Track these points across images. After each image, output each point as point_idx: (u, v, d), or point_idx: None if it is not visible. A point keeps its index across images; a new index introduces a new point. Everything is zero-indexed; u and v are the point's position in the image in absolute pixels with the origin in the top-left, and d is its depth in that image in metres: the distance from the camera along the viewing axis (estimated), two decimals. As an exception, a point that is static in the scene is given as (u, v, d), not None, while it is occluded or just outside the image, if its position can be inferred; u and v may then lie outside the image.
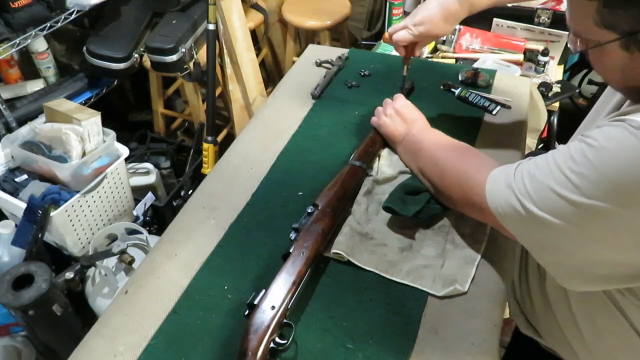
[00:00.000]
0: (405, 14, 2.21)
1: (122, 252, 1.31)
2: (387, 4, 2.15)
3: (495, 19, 1.97)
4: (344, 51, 1.36)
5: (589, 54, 0.66)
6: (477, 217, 0.81)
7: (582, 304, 0.82)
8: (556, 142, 1.98)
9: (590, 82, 2.38)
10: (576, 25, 0.65)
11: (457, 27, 1.92)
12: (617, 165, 0.57)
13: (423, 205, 0.86)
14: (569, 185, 0.61)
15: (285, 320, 0.71)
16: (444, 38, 1.96)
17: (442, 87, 1.21)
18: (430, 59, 1.89)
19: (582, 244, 0.64)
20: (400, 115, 0.98)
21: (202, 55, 1.91)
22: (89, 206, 1.42)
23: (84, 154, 1.39)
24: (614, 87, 0.74)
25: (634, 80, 0.65)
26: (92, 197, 1.42)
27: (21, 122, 1.58)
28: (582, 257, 0.66)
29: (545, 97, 1.78)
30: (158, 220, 1.72)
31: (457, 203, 0.83)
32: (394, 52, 2.02)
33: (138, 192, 1.70)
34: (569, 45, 0.69)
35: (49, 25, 1.59)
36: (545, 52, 1.87)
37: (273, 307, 0.71)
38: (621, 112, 0.62)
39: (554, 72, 1.94)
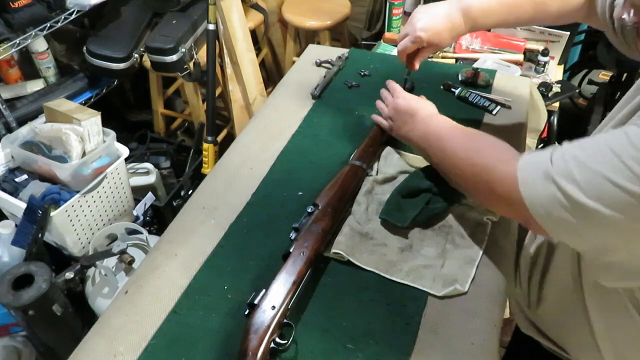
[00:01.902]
0: (406, 14, 2.21)
1: (122, 252, 1.31)
2: (387, 4, 2.15)
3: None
4: (344, 51, 1.36)
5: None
6: (504, 212, 0.77)
7: (597, 300, 0.80)
8: (556, 142, 1.98)
9: (590, 82, 2.38)
10: None
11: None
12: None
13: (422, 208, 0.86)
14: (630, 175, 0.55)
15: (285, 320, 0.71)
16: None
17: (442, 87, 1.21)
18: (430, 59, 1.89)
19: (636, 239, 0.60)
20: (398, 113, 0.96)
21: (202, 55, 1.92)
22: (89, 206, 1.42)
23: (84, 154, 1.39)
24: None
25: None
26: (92, 197, 1.42)
27: (21, 122, 1.58)
28: (632, 252, 0.62)
29: (545, 97, 1.78)
30: (158, 220, 1.72)
31: (482, 198, 0.80)
32: (394, 52, 2.02)
33: (138, 192, 1.70)
34: (615, 16, 0.64)
35: (49, 25, 1.59)
36: (545, 52, 1.87)
37: (273, 307, 0.71)
38: None
39: (554, 72, 1.94)
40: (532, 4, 0.92)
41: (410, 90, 1.17)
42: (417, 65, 1.02)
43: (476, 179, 0.77)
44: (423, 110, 0.92)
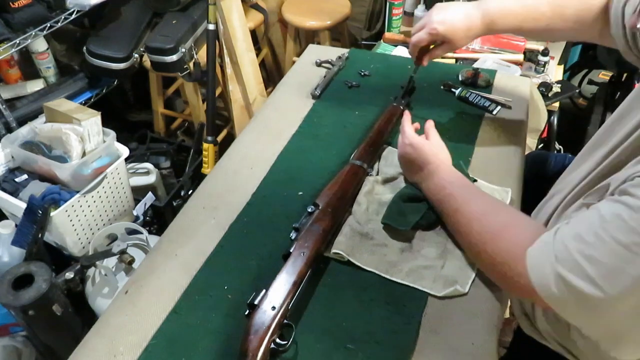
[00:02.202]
0: (406, 14, 2.21)
1: (122, 252, 1.31)
2: (387, 4, 2.14)
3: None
4: (344, 51, 1.36)
5: None
6: (520, 296, 0.76)
7: None
8: (556, 142, 1.98)
9: (590, 82, 2.38)
10: None
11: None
12: None
13: (423, 213, 0.86)
14: None
15: (285, 321, 0.71)
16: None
17: (442, 87, 1.21)
18: (430, 59, 1.89)
19: None
20: (407, 161, 0.92)
21: (202, 55, 1.91)
22: (89, 206, 1.41)
23: (84, 154, 1.39)
24: None
25: None
26: (92, 197, 1.42)
27: (21, 122, 1.58)
28: None
29: (545, 97, 1.78)
30: (158, 220, 1.72)
31: (497, 282, 0.78)
32: (394, 52, 2.02)
33: (138, 192, 1.70)
34: (626, 23, 0.63)
35: (49, 25, 1.59)
36: (545, 52, 1.87)
37: (273, 308, 0.70)
38: None
39: (554, 72, 1.94)
40: (549, 5, 0.90)
41: (411, 90, 1.17)
42: (426, 62, 1.00)
43: (487, 265, 0.76)
44: (433, 164, 0.88)
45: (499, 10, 0.91)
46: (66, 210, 1.34)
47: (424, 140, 0.92)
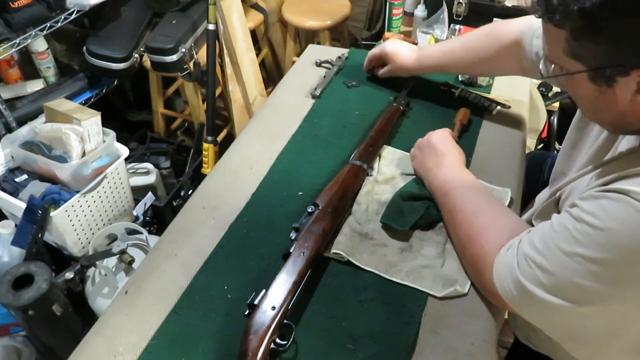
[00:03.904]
0: (406, 14, 2.21)
1: (122, 252, 1.31)
2: (387, 4, 2.15)
3: (495, 19, 1.97)
4: (344, 51, 1.36)
5: (562, 81, 0.65)
6: (489, 298, 0.78)
7: None
8: (556, 142, 1.98)
9: (590, 82, 2.38)
10: (549, 50, 0.64)
11: (457, 27, 1.92)
12: (635, 246, 0.56)
13: (422, 213, 0.86)
14: (588, 274, 0.60)
15: (285, 321, 0.71)
16: (444, 38, 1.96)
17: (442, 87, 1.21)
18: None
19: (621, 318, 0.65)
20: (429, 147, 0.94)
21: (202, 55, 1.91)
22: (89, 206, 1.42)
23: (84, 154, 1.39)
24: (586, 116, 0.73)
25: (605, 113, 0.64)
26: (92, 197, 1.42)
27: (21, 122, 1.58)
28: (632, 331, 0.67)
29: (545, 97, 1.78)
30: (158, 220, 1.72)
31: (474, 281, 0.80)
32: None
33: (138, 192, 1.70)
34: (540, 68, 0.67)
35: (49, 25, 1.59)
36: (545, 52, 1.86)
37: (273, 308, 0.71)
38: (616, 176, 0.61)
39: (554, 72, 1.94)
40: (463, 46, 1.05)
41: (411, 90, 1.17)
42: (375, 71, 1.23)
43: (468, 263, 0.80)
44: (450, 157, 0.91)
45: (426, 51, 1.12)
46: (66, 210, 1.34)
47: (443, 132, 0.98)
